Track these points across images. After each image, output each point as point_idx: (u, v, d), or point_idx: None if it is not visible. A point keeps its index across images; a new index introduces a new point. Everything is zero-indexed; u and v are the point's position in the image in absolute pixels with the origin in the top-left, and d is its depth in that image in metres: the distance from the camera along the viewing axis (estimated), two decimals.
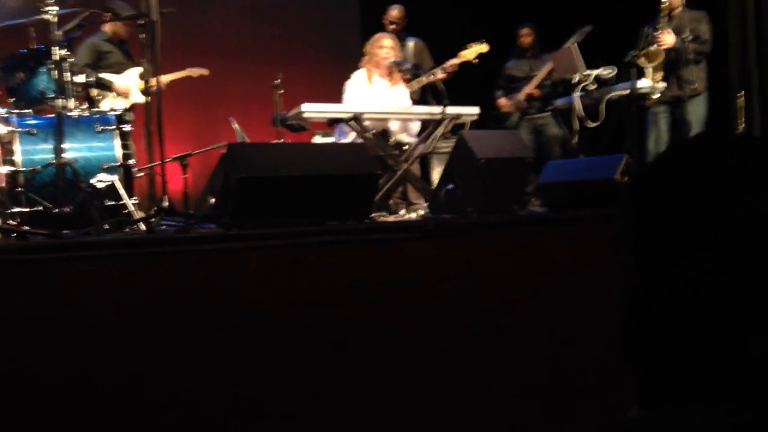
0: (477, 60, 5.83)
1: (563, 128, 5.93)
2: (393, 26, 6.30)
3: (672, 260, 0.73)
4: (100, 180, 3.91)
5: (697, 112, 5.61)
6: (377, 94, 5.40)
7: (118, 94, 5.71)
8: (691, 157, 0.76)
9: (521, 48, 6.74)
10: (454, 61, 5.79)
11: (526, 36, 6.70)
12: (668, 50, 5.54)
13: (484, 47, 5.84)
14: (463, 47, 5.84)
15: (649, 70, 5.48)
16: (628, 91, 5.34)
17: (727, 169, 0.73)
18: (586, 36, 5.87)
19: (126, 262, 2.46)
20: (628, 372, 0.78)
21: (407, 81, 5.71)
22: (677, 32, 5.55)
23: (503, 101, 6.62)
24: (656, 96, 5.50)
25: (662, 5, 5.51)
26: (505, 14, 7.24)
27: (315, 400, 2.60)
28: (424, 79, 5.76)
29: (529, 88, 6.47)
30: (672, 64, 5.60)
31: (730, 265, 0.70)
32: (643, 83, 5.42)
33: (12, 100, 4.16)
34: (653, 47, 5.48)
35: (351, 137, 5.16)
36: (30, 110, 4.07)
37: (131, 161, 4.12)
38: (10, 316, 2.27)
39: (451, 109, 5.10)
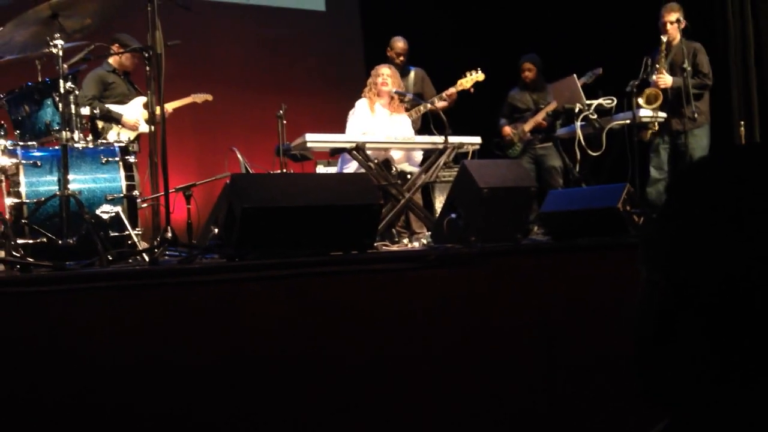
0: (473, 89, 5.89)
1: (564, 158, 5.94)
2: (401, 58, 6.36)
3: (715, 277, 0.66)
4: (105, 211, 3.91)
5: (699, 143, 5.62)
6: (379, 123, 5.44)
7: (126, 128, 5.74)
8: (741, 166, 0.69)
9: (525, 80, 6.74)
10: (452, 90, 5.86)
11: (528, 71, 6.69)
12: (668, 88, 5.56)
13: (480, 76, 5.90)
14: (461, 76, 5.91)
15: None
16: (629, 121, 5.37)
17: None
18: (596, 78, 5.86)
19: (129, 293, 2.46)
20: (639, 398, 0.73)
21: (407, 110, 5.76)
22: (674, 64, 5.59)
23: (508, 130, 6.63)
24: (650, 131, 5.53)
25: (662, 45, 5.56)
26: (508, 42, 7.30)
27: (318, 429, 2.59)
28: (422, 108, 5.81)
29: (535, 121, 6.46)
30: (674, 100, 5.62)
31: None
32: (644, 112, 5.45)
33: (17, 132, 4.18)
34: (652, 90, 5.50)
35: (354, 167, 5.18)
36: (34, 142, 4.09)
37: (135, 192, 4.13)
38: (14, 347, 2.27)
39: (454, 139, 5.13)
